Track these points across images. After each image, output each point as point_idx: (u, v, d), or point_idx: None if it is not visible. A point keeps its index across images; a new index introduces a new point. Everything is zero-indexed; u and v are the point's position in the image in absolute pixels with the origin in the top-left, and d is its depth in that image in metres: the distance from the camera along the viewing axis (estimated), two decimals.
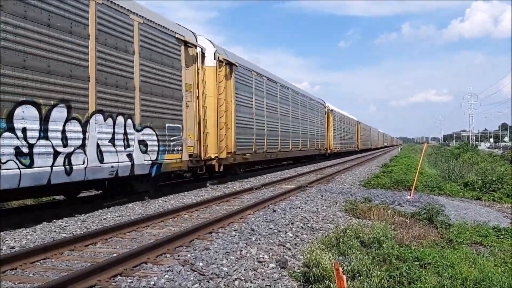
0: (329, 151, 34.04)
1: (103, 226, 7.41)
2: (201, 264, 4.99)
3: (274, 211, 8.53)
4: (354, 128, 51.18)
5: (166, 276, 4.56)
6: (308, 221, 7.86)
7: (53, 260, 5.42)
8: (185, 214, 8.70)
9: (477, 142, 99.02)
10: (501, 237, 7.67)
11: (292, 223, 7.44)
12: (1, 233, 6.87)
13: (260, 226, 7.09)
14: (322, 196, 11.15)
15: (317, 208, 9.17)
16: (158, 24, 11.00)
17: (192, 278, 4.52)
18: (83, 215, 8.46)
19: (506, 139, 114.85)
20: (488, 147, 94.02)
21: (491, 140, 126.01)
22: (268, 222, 7.43)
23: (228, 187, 13.76)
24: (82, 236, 6.32)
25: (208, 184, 14.11)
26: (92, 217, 8.33)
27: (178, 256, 5.46)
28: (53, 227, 7.35)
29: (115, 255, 5.31)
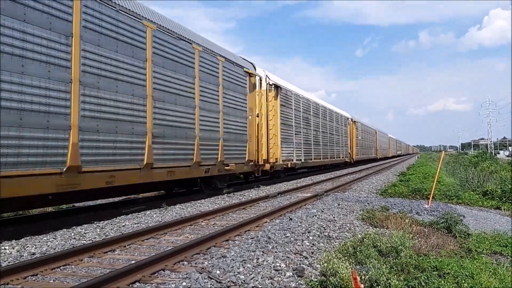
0: (267, 166, 17.13)
1: (121, 233, 7.50)
2: (218, 271, 5.01)
3: (291, 219, 8.52)
4: (345, 129, 34.84)
5: (184, 284, 4.60)
6: (325, 229, 7.83)
7: (73, 266, 5.50)
8: (202, 221, 8.75)
9: (495, 151, 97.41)
10: None
11: (308, 232, 7.43)
12: (22, 239, 6.99)
13: (276, 234, 7.10)
14: (339, 204, 11.10)
15: (334, 217, 9.14)
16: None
17: (209, 285, 4.55)
18: (102, 222, 8.57)
19: None
20: (508, 156, 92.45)
21: (510, 148, 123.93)
22: (284, 230, 7.43)
23: (245, 195, 13.79)
24: (101, 243, 6.40)
25: (224, 192, 14.15)
26: (111, 224, 8.43)
27: (196, 263, 5.50)
28: (72, 234, 7.45)
29: (133, 262, 5.37)
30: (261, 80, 17.33)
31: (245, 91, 15.51)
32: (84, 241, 6.91)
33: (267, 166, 17.21)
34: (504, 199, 13.86)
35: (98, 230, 7.86)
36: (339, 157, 31.67)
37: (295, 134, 21.11)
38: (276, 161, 17.99)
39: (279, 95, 18.77)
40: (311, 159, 23.70)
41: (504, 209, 12.77)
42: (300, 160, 21.63)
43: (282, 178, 20.64)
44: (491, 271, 5.53)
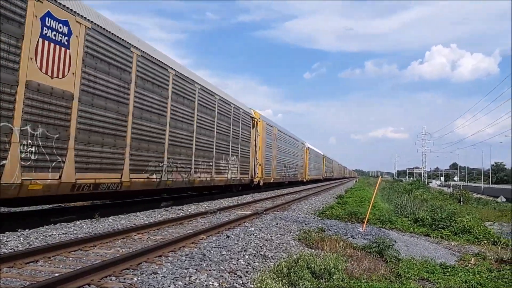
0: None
1: (47, 243, 7.07)
2: None
3: (228, 236, 8.41)
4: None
5: None
6: (261, 248, 7.79)
7: None
8: (135, 235, 8.43)
9: (428, 180, 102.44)
10: (447, 274, 7.86)
11: (245, 250, 7.35)
12: None
13: (212, 251, 6.96)
14: (277, 223, 11.12)
15: (271, 236, 9.12)
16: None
17: None
18: (27, 230, 8.05)
19: (456, 178, 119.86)
20: (439, 185, 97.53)
21: (442, 178, 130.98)
22: (220, 248, 7.31)
23: (183, 210, 13.52)
24: (24, 252, 5.99)
25: (162, 205, 13.81)
26: (37, 233, 7.94)
27: (124, 279, 5.26)
28: None
29: (56, 274, 5.05)
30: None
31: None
32: (5, 250, 6.45)
33: None
34: (434, 226, 14.49)
35: (21, 238, 7.37)
36: None
37: None
38: None
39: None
40: None
41: (433, 237, 13.34)
42: None
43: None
44: None
